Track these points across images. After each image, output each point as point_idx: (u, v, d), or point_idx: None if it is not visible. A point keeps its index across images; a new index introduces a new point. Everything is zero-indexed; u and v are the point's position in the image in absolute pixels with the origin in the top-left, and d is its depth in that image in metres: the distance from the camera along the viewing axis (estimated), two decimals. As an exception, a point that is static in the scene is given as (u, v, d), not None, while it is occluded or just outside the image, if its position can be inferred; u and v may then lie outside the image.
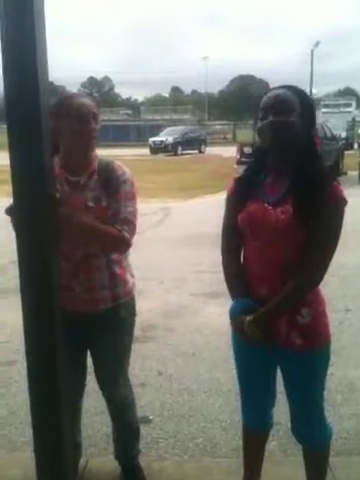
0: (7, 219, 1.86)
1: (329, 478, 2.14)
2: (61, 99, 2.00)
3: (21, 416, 2.96)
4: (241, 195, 1.93)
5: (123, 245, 2.04)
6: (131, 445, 2.40)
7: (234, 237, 1.97)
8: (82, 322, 2.08)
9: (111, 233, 1.97)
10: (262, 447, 2.17)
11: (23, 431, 2.82)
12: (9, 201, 1.69)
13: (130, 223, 2.01)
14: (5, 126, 1.55)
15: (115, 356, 2.22)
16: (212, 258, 1.98)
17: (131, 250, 2.14)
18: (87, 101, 2.00)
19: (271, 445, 2.58)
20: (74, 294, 2.04)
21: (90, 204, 2.00)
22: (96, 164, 2.07)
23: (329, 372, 1.97)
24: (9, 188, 1.59)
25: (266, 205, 1.83)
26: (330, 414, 2.13)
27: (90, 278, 2.06)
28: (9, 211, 1.82)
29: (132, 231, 2.02)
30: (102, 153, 2.18)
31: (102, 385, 2.28)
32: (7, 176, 1.62)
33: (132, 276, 2.22)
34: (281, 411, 2.23)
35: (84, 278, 2.06)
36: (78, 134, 1.94)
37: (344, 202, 1.78)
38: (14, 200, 1.61)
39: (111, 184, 2.03)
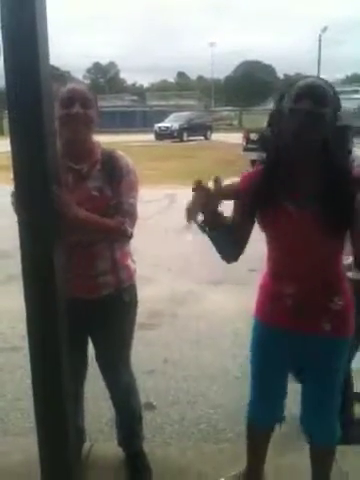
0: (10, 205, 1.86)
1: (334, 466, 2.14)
2: (55, 85, 1.98)
3: (26, 402, 2.98)
4: (258, 198, 1.82)
5: (124, 238, 2.06)
6: (134, 431, 2.41)
7: (238, 232, 1.91)
8: (85, 308, 2.08)
9: (111, 227, 1.99)
10: (267, 442, 2.16)
11: (28, 416, 2.84)
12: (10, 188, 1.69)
13: (131, 214, 2.02)
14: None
15: (118, 341, 2.23)
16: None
17: (137, 237, 2.14)
18: (78, 86, 1.98)
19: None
20: (76, 280, 2.04)
21: (94, 193, 2.00)
22: (99, 153, 2.06)
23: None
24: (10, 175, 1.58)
25: (291, 209, 1.76)
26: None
27: (92, 264, 2.06)
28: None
29: (133, 223, 2.03)
30: (108, 140, 2.16)
31: (104, 371, 2.28)
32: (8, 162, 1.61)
33: (133, 262, 2.22)
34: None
35: (86, 264, 2.06)
36: (65, 119, 1.92)
37: None
38: (15, 188, 1.60)
39: (114, 174, 2.02)
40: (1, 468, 2.38)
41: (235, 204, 1.94)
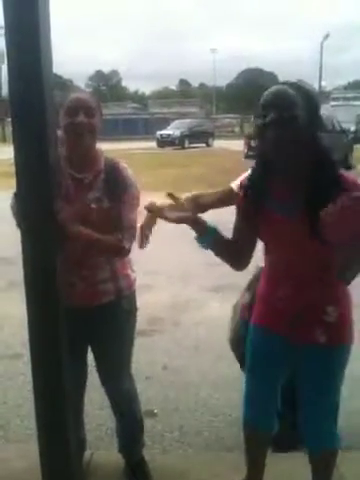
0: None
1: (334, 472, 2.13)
2: (59, 94, 2.00)
3: (26, 408, 2.98)
4: (249, 205, 1.85)
5: (121, 254, 2.07)
6: (135, 439, 2.41)
7: (239, 241, 1.92)
8: (84, 317, 2.08)
9: (110, 243, 1.99)
10: (265, 447, 2.16)
11: (29, 423, 2.84)
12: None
13: (131, 229, 2.03)
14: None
15: (118, 350, 2.23)
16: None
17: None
18: (82, 95, 2.00)
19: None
20: (76, 289, 2.05)
21: (94, 206, 2.00)
22: (102, 163, 2.06)
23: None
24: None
25: (279, 216, 1.77)
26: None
27: (92, 273, 2.07)
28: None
29: (131, 238, 2.03)
30: (111, 147, 2.17)
31: (105, 380, 2.28)
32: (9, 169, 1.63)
33: (133, 271, 2.23)
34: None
35: (86, 273, 2.06)
36: (70, 128, 1.93)
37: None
38: (18, 195, 1.61)
39: (117, 186, 2.02)
40: (3, 475, 2.38)
41: (237, 209, 1.94)
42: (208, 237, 1.84)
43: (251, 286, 2.54)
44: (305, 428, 1.97)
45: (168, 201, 1.80)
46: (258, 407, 2.05)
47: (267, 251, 1.93)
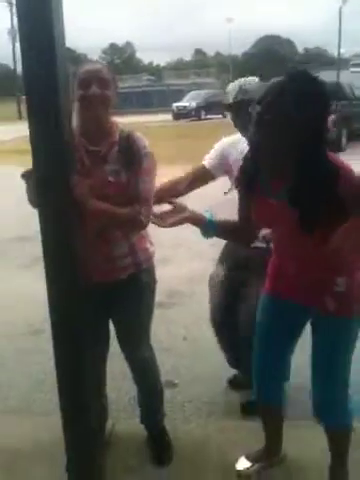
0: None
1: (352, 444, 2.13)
2: (72, 67, 1.98)
3: (50, 383, 3.03)
4: (246, 191, 1.92)
5: (140, 227, 2.05)
6: (156, 409, 2.46)
7: (243, 218, 2.00)
8: (105, 291, 2.11)
9: (127, 216, 1.98)
10: (280, 418, 2.19)
11: (51, 397, 2.89)
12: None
13: (148, 201, 2.00)
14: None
15: (138, 321, 2.26)
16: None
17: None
18: (94, 67, 1.97)
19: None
20: (94, 265, 2.05)
21: (111, 179, 1.99)
22: (117, 135, 2.04)
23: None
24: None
25: (274, 202, 1.79)
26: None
27: (110, 248, 2.08)
28: (26, 176, 1.84)
29: (149, 210, 2.00)
30: (126, 120, 2.16)
31: (125, 349, 2.31)
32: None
33: (151, 244, 2.23)
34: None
35: (104, 249, 2.07)
36: (83, 100, 1.91)
37: (351, 173, 1.69)
38: (34, 172, 1.62)
39: (133, 157, 2.00)
40: (28, 447, 2.46)
41: (238, 192, 2.02)
42: (210, 229, 1.93)
43: (222, 259, 2.75)
44: (315, 400, 1.97)
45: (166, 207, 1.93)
46: (269, 381, 2.08)
47: (271, 230, 2.00)
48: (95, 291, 1.99)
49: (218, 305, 2.79)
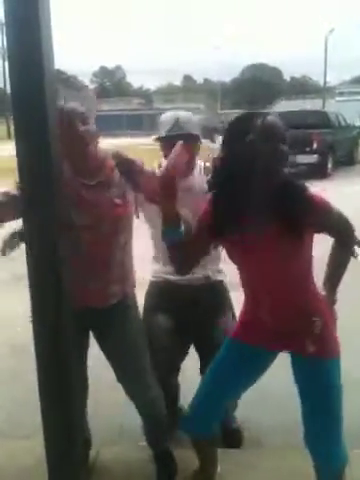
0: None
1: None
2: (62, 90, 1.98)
3: (34, 405, 2.96)
4: (216, 225, 1.76)
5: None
6: (160, 435, 2.39)
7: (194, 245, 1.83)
8: (92, 318, 2.08)
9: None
10: (213, 446, 2.14)
11: (34, 419, 2.82)
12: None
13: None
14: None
15: (132, 349, 2.17)
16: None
17: (138, 241, 2.20)
18: (68, 106, 1.92)
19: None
20: (88, 289, 2.02)
21: (117, 201, 1.98)
22: (111, 161, 2.03)
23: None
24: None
25: (246, 237, 1.69)
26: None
27: (105, 274, 2.05)
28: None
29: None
30: (116, 142, 2.16)
31: (126, 385, 2.22)
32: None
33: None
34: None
35: (100, 274, 2.04)
36: (64, 139, 1.84)
37: (329, 206, 1.74)
38: (21, 191, 1.60)
39: (133, 169, 2.03)
40: (11, 471, 2.39)
41: (199, 220, 1.83)
42: (179, 228, 1.73)
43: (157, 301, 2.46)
44: (310, 446, 1.86)
45: None
46: (205, 418, 1.97)
47: (240, 271, 1.87)
48: (83, 317, 1.96)
49: (168, 364, 2.39)
